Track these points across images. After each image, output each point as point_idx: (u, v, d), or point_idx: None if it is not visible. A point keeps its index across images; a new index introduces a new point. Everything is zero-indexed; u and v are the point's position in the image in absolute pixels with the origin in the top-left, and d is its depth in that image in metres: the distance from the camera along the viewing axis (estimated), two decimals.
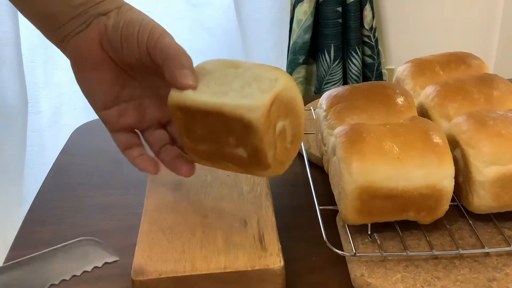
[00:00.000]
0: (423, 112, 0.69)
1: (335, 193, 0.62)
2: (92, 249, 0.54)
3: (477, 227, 0.61)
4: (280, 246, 0.56)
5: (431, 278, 0.55)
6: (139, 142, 0.59)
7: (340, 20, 1.67)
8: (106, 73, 0.55)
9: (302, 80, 1.73)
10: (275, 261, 0.54)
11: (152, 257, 0.55)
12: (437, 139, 0.58)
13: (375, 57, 1.76)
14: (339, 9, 1.66)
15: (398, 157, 0.56)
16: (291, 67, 1.70)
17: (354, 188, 0.56)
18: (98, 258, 0.53)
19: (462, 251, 0.58)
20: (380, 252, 0.58)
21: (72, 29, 0.53)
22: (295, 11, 1.64)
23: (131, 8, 0.54)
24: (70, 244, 0.54)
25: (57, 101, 1.59)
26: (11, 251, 0.64)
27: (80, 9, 0.53)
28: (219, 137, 0.51)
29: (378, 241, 0.60)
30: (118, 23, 0.52)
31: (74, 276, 0.52)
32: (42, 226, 0.68)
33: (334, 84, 1.74)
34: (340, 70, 1.73)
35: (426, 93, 0.69)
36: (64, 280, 0.51)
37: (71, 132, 0.91)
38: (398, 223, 0.61)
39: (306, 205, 0.67)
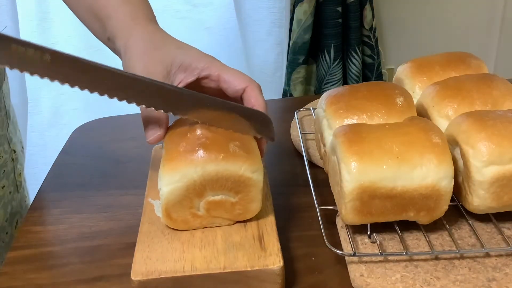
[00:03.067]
0: (423, 112, 0.69)
1: (335, 193, 0.62)
2: None
3: (477, 227, 0.61)
4: (279, 246, 0.56)
5: (431, 278, 0.55)
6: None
7: (340, 20, 1.67)
8: None
9: (302, 80, 1.73)
10: (274, 261, 0.54)
11: (152, 257, 0.55)
12: (436, 139, 0.58)
13: (375, 57, 1.76)
14: (339, 9, 1.65)
15: (398, 157, 0.56)
16: (291, 67, 1.70)
17: (353, 188, 0.56)
18: None
19: (461, 251, 0.58)
20: (380, 252, 0.58)
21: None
22: (295, 11, 1.64)
23: (130, 47, 0.62)
24: None
25: (57, 101, 1.59)
26: (11, 251, 0.64)
27: (110, 42, 0.64)
28: None
29: (377, 241, 0.60)
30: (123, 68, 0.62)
31: None
32: (42, 226, 0.69)
33: (334, 84, 1.74)
34: (340, 70, 1.73)
35: (426, 93, 0.69)
36: None
37: (71, 132, 0.91)
38: (397, 223, 0.61)
39: (306, 205, 0.67)
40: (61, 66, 0.53)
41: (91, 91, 0.54)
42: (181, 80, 0.61)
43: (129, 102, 0.56)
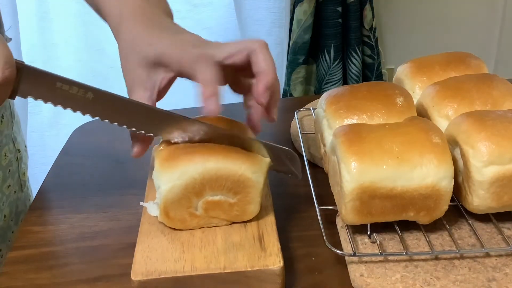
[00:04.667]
0: (423, 112, 0.69)
1: (335, 193, 0.62)
2: None
3: (477, 227, 0.61)
4: (279, 246, 0.56)
5: (431, 278, 0.55)
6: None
7: (340, 20, 1.67)
8: None
9: (302, 80, 1.73)
10: (274, 261, 0.54)
11: (152, 257, 0.55)
12: (436, 139, 0.58)
13: (375, 57, 1.76)
14: (339, 9, 1.66)
15: (398, 157, 0.56)
16: (291, 67, 1.70)
17: (353, 188, 0.56)
18: None
19: (461, 251, 0.58)
20: (380, 252, 0.58)
21: None
22: (295, 11, 1.64)
23: (119, 46, 0.62)
24: None
25: None
26: (11, 251, 0.64)
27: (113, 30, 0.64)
28: None
29: (377, 241, 0.60)
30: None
31: None
32: (42, 226, 0.69)
33: (334, 84, 1.74)
34: (340, 70, 1.73)
35: (426, 93, 0.69)
36: None
37: (71, 132, 0.91)
38: (397, 223, 0.61)
39: (306, 205, 0.67)
40: (102, 104, 0.56)
41: (129, 127, 0.58)
42: (162, 77, 0.60)
43: (163, 137, 0.59)
